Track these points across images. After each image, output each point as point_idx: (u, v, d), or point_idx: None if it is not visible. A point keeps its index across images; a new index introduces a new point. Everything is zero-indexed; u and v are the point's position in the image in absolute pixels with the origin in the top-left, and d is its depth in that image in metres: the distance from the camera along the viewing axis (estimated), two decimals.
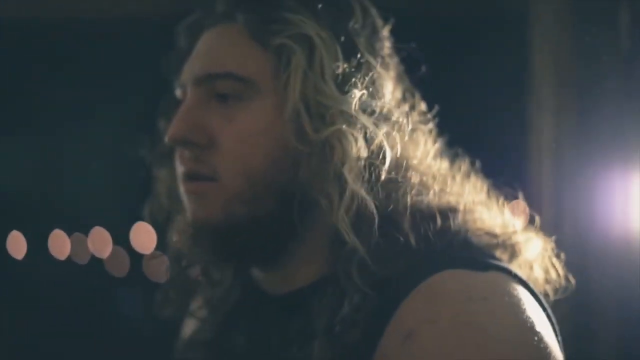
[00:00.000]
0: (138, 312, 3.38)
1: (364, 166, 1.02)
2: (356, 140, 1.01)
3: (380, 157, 1.03)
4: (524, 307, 0.95)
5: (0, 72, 3.07)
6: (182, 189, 1.10)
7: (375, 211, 0.98)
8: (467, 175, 1.16)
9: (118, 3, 2.96)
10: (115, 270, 3.35)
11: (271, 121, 1.05)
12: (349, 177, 0.99)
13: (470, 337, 0.90)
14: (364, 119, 1.02)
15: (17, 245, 3.30)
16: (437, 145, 1.15)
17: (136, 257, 3.35)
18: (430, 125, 1.16)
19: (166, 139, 1.08)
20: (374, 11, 1.15)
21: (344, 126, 1.01)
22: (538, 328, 0.93)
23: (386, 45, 1.14)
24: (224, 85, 1.07)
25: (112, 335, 3.26)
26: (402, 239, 1.00)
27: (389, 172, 1.03)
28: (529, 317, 0.94)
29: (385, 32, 1.16)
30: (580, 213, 2.16)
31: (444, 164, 1.14)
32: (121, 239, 3.30)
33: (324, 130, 1.02)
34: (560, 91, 2.24)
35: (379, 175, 1.02)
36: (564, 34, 2.24)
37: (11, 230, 3.31)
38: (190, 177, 1.08)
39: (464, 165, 1.16)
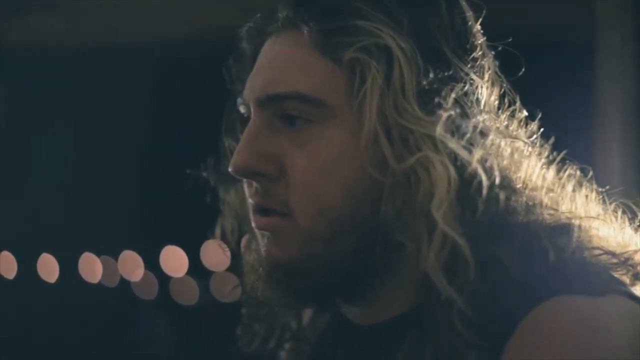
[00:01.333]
0: (166, 335, 3.38)
1: (457, 199, 0.88)
2: (446, 169, 0.87)
3: (476, 187, 0.88)
4: None
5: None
6: (253, 222, 0.98)
7: (471, 255, 0.86)
8: (579, 185, 1.00)
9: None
10: (144, 294, 3.36)
11: (347, 148, 0.91)
12: (438, 215, 0.86)
13: None
14: (454, 144, 0.88)
15: (48, 268, 3.31)
16: (543, 157, 0.99)
17: (164, 281, 3.35)
18: (534, 135, 1.00)
19: (230, 169, 0.96)
20: (462, 2, 0.97)
21: (431, 153, 0.88)
22: None
23: (479, 43, 0.97)
24: (290, 106, 0.93)
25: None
26: (505, 276, 0.87)
27: (486, 202, 0.88)
28: None
29: (477, 27, 0.98)
30: None
31: (550, 174, 0.99)
32: (150, 262, 3.31)
33: (408, 158, 0.88)
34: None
35: (475, 209, 0.88)
36: (628, 39, 2.27)
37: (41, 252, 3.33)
38: (260, 211, 0.96)
39: (573, 172, 1.01)
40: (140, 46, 3.16)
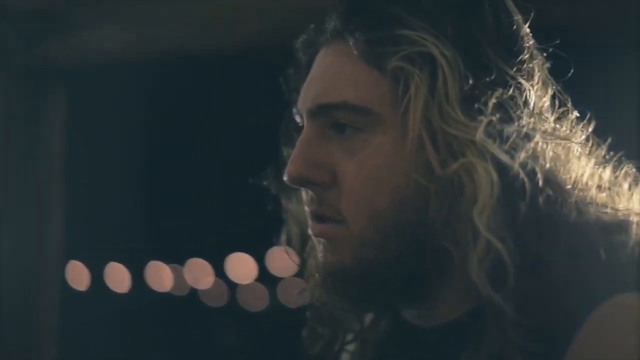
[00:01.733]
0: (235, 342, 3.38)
1: (501, 203, 0.89)
2: (489, 175, 0.89)
3: (519, 190, 0.89)
4: None
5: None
6: (309, 229, 1.02)
7: (512, 260, 0.87)
8: (635, 184, 1.01)
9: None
10: (213, 301, 3.37)
11: (394, 155, 0.94)
12: (481, 221, 0.88)
13: None
14: (495, 148, 0.90)
15: (117, 277, 3.34)
16: (596, 157, 1.00)
17: (231, 287, 3.36)
18: (585, 135, 1.00)
19: (285, 178, 0.99)
20: (509, 3, 0.98)
21: (474, 158, 0.90)
22: None
23: (527, 46, 0.97)
24: (340, 115, 0.96)
25: None
26: (556, 278, 0.88)
27: (530, 205, 0.89)
28: None
29: (525, 29, 0.99)
30: None
31: (605, 174, 1.00)
32: (217, 270, 3.32)
33: (452, 164, 0.91)
34: None
35: (519, 212, 0.89)
36: None
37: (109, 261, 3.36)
38: (316, 218, 0.99)
39: (630, 170, 1.01)
40: (208, 55, 3.16)
